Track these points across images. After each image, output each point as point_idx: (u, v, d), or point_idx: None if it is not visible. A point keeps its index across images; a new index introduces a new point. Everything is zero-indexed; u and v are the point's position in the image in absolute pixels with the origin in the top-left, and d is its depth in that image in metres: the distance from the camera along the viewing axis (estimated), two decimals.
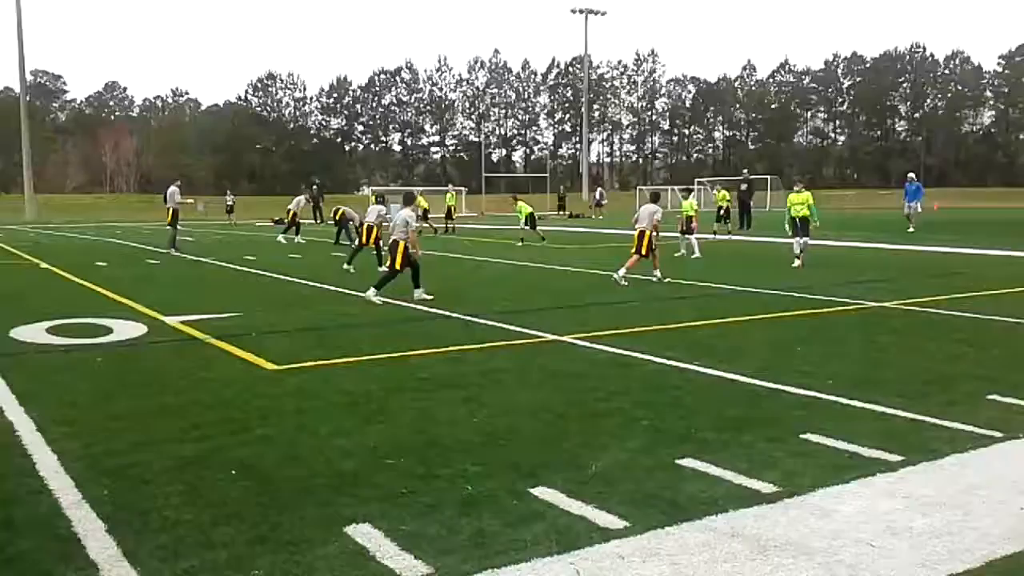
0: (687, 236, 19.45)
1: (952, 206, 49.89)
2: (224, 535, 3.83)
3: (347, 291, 12.98)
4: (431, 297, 11.78)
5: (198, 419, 5.77)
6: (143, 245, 25.50)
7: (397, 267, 11.75)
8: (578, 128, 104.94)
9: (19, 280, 15.53)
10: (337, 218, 24.72)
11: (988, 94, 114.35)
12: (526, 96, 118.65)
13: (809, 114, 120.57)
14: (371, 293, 11.62)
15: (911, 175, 30.81)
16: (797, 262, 16.39)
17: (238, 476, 4.63)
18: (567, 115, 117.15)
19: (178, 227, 22.53)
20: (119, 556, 3.63)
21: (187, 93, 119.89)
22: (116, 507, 4.17)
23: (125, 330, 9.53)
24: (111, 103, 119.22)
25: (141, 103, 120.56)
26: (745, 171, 41.45)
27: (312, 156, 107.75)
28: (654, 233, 14.06)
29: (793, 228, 16.87)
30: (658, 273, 14.19)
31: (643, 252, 14.01)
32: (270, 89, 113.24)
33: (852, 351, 8.09)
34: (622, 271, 13.75)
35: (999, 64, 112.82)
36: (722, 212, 28.65)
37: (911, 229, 27.75)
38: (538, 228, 25.85)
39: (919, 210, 29.11)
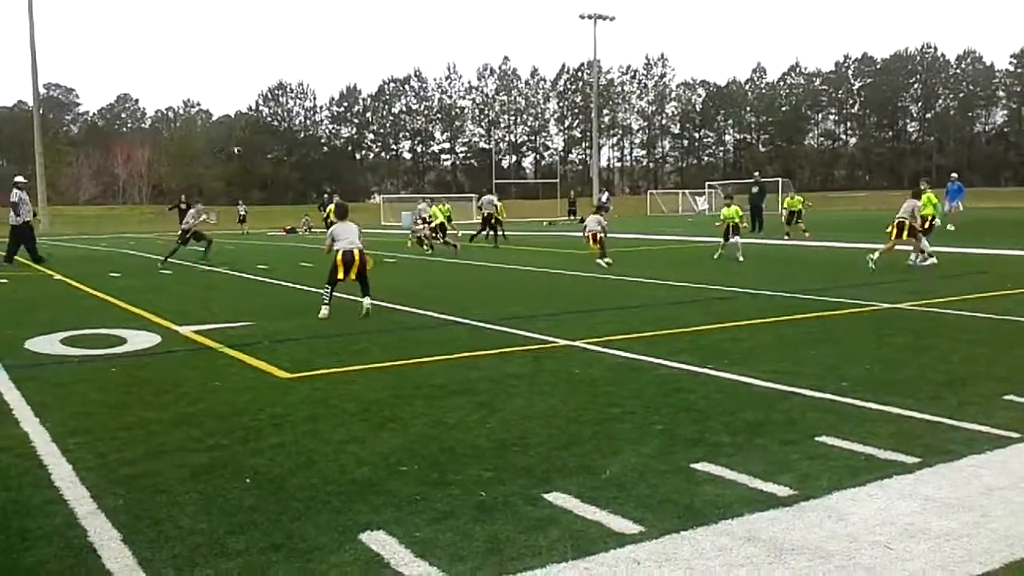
0: (735, 237, 19.95)
1: (965, 206, 49.44)
2: (239, 543, 3.83)
3: (359, 299, 12.99)
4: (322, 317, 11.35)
5: (212, 428, 5.79)
6: (156, 255, 25.57)
7: (345, 276, 11.25)
8: (588, 133, 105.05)
9: (33, 291, 15.61)
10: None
11: (1000, 93, 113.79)
12: (536, 102, 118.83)
13: (820, 116, 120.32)
14: (367, 301, 11.38)
15: (953, 175, 31.83)
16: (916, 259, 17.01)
17: (252, 484, 4.64)
18: (577, 121, 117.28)
19: (178, 246, 22.34)
20: (135, 565, 3.63)
21: (198, 104, 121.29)
22: (131, 517, 4.18)
23: (138, 340, 9.57)
24: (123, 115, 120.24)
25: (153, 114, 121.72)
26: (756, 174, 41.38)
27: (323, 165, 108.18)
28: (913, 222, 16.36)
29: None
30: (914, 256, 16.69)
31: (903, 236, 16.33)
32: (280, 99, 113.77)
33: (866, 353, 8.04)
34: (915, 256, 16.54)
35: (1011, 63, 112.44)
36: (794, 216, 29.51)
37: (950, 227, 28.53)
38: (437, 238, 25.07)
39: (961, 209, 29.68)
